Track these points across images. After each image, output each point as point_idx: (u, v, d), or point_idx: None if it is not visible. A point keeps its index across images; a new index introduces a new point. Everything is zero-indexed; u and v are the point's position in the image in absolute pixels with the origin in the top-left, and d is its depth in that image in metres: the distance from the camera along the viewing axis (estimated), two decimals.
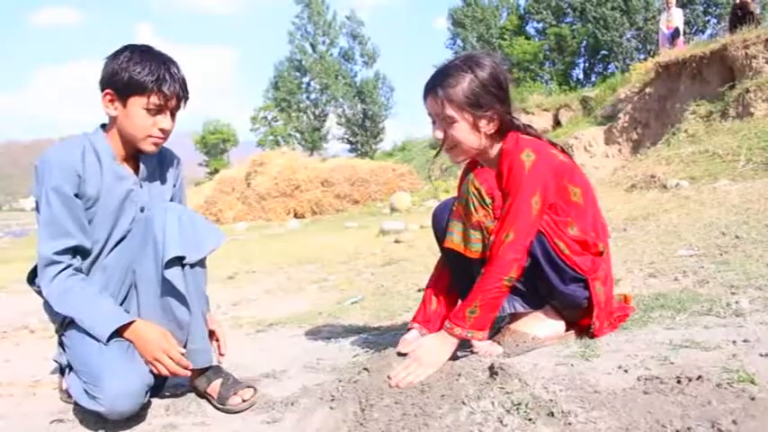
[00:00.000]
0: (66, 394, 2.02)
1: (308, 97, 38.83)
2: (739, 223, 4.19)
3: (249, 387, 1.92)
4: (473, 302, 1.82)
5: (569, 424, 1.40)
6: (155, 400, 1.98)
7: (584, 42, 30.31)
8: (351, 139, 38.43)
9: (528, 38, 32.07)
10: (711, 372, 1.55)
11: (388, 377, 1.76)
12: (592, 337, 1.99)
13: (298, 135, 37.91)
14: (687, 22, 21.36)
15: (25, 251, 13.13)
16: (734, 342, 1.80)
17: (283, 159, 19.89)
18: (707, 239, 3.79)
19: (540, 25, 32.58)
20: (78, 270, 1.88)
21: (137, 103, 1.89)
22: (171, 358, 1.80)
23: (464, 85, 1.85)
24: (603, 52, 29.78)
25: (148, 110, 1.89)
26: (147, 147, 1.96)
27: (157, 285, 1.82)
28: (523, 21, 33.95)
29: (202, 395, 1.97)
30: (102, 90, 1.92)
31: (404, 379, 1.74)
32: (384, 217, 13.27)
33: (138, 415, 1.79)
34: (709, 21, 27.80)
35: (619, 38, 28.13)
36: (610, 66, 29.35)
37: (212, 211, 18.59)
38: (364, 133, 37.99)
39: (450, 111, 1.87)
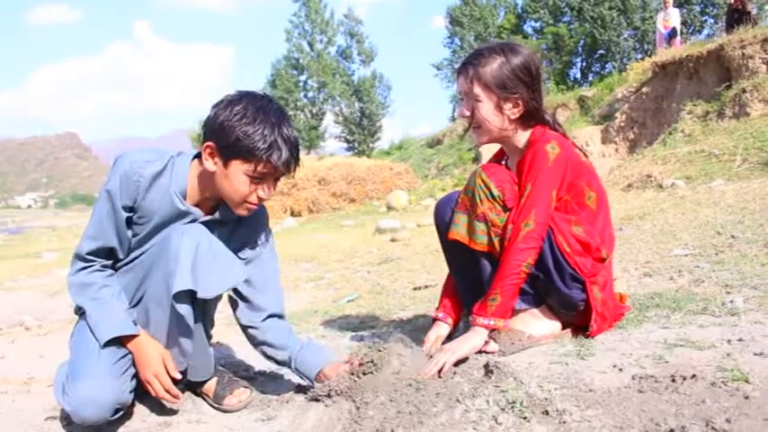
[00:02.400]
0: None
1: (305, 96, 38.77)
2: (735, 223, 4.20)
3: (245, 387, 1.91)
4: (494, 291, 1.85)
5: (564, 422, 1.40)
6: (150, 398, 1.97)
7: (582, 42, 30.32)
8: (348, 137, 38.40)
9: (525, 37, 32.05)
10: (706, 370, 1.56)
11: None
12: (587, 336, 2.00)
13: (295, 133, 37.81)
14: (684, 22, 21.39)
15: (21, 248, 13.11)
16: (728, 341, 1.80)
17: None
18: (702, 239, 3.80)
19: (538, 24, 32.60)
20: (106, 267, 1.85)
21: (240, 168, 1.71)
22: (162, 384, 1.74)
23: (494, 66, 1.92)
24: (601, 52, 29.81)
25: (251, 177, 1.72)
26: (239, 211, 1.81)
27: (165, 309, 1.75)
28: (521, 20, 33.97)
29: (198, 393, 1.97)
30: (205, 139, 1.75)
31: (430, 371, 1.75)
32: (381, 215, 13.28)
33: (131, 411, 1.77)
34: (706, 21, 27.84)
35: (616, 37, 28.15)
36: (607, 65, 29.37)
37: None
38: (361, 132, 37.97)
39: (477, 89, 1.94)
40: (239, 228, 1.94)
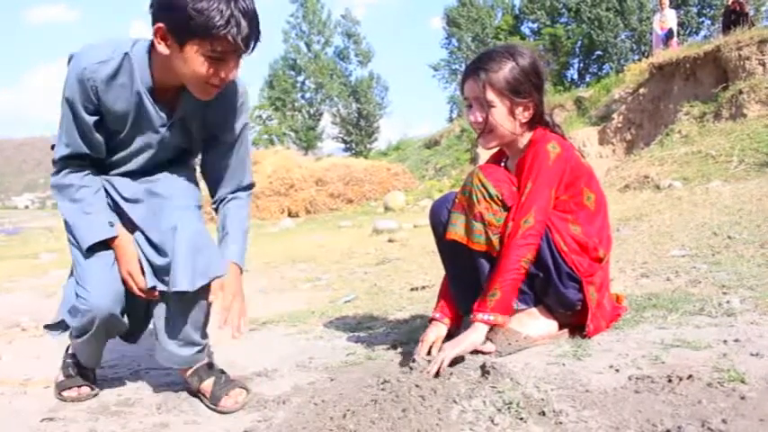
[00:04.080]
0: (58, 389, 2.03)
1: (302, 96, 38.82)
2: (731, 224, 4.21)
3: (242, 388, 1.90)
4: (493, 287, 1.85)
5: (560, 423, 1.40)
6: (146, 398, 1.98)
7: (579, 43, 30.42)
8: (345, 138, 38.45)
9: (523, 38, 32.14)
10: (702, 371, 1.56)
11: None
12: (584, 336, 2.00)
13: (292, 134, 37.86)
14: (681, 24, 21.44)
15: (19, 249, 13.07)
16: (725, 342, 1.81)
17: (277, 158, 19.84)
18: (699, 240, 3.81)
19: (535, 25, 32.72)
20: (83, 167, 1.88)
21: (196, 49, 1.60)
22: (136, 283, 1.85)
23: (506, 70, 1.92)
24: (598, 53, 29.92)
25: (210, 57, 1.62)
26: (202, 95, 1.73)
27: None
28: (518, 21, 34.08)
29: (195, 393, 1.96)
30: (154, 20, 1.62)
31: (432, 371, 1.75)
32: (378, 216, 13.27)
33: (127, 412, 1.78)
34: (703, 22, 27.94)
35: (613, 38, 28.24)
36: (604, 66, 29.49)
37: (206, 209, 18.42)
38: (359, 132, 38.03)
39: (490, 95, 1.93)
40: (210, 112, 1.90)
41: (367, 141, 38.04)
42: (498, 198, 1.90)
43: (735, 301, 2.23)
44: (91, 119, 1.79)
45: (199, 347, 1.96)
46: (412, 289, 3.79)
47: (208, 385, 1.91)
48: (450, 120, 31.96)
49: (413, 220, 9.71)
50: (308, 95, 38.85)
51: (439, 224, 2.10)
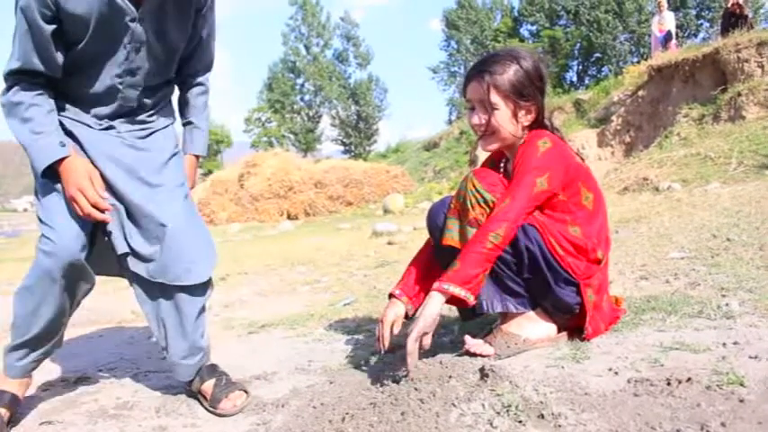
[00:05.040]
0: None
1: (301, 99, 38.90)
2: (730, 226, 4.20)
3: (242, 391, 1.90)
4: (456, 259, 1.83)
5: (559, 426, 1.40)
6: (145, 402, 1.97)
7: (578, 45, 30.46)
8: (344, 140, 38.51)
9: (522, 40, 32.23)
10: (701, 374, 1.56)
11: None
12: (583, 339, 2.00)
13: (291, 136, 37.95)
14: (680, 26, 21.48)
15: (18, 252, 13.06)
16: (724, 344, 1.81)
17: (276, 160, 19.86)
18: (698, 242, 3.81)
19: (534, 28, 32.81)
20: (37, 85, 1.76)
21: None
22: (87, 199, 1.73)
23: (510, 73, 1.93)
24: (597, 55, 29.99)
25: None
26: None
27: None
28: (517, 23, 34.17)
29: (195, 394, 1.96)
30: None
31: (409, 365, 1.76)
32: (377, 218, 13.27)
33: (126, 416, 1.77)
34: (701, 24, 28.00)
35: (612, 41, 28.29)
36: (603, 68, 29.54)
37: (205, 212, 18.51)
38: (358, 135, 38.09)
39: (494, 97, 1.93)
40: (181, 6, 1.84)
41: (366, 143, 38.12)
42: (493, 203, 1.89)
43: (734, 303, 2.23)
44: (48, 27, 1.68)
45: (202, 353, 1.97)
46: None
47: (208, 386, 1.91)
48: (450, 122, 32.05)
49: (412, 223, 9.70)
50: (307, 98, 38.97)
51: (436, 229, 2.10)
